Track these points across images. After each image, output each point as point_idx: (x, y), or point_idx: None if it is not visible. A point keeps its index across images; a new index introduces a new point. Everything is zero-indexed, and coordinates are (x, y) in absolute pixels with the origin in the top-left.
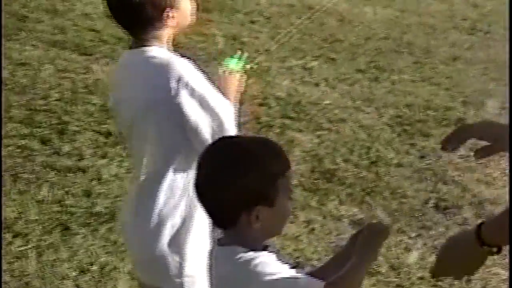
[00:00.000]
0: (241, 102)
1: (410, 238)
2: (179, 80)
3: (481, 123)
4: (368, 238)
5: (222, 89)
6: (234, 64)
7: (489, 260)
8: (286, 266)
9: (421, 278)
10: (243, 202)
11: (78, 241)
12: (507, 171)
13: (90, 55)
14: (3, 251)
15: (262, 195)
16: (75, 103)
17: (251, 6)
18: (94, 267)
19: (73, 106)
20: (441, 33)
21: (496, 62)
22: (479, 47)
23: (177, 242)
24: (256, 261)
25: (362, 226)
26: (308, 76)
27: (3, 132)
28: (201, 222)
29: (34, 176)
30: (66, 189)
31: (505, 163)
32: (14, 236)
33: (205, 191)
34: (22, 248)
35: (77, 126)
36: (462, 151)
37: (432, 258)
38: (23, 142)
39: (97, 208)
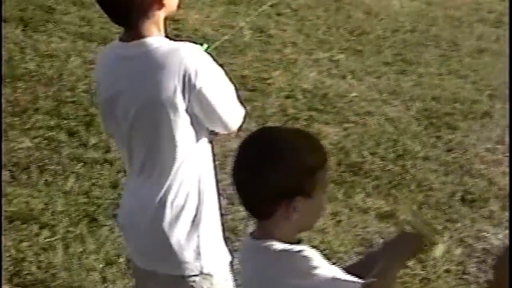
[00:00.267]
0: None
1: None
2: (193, 65)
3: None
4: (400, 249)
5: None
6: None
7: None
8: (326, 262)
9: (447, 271)
10: (283, 193)
11: (104, 233)
12: None
13: None
14: (30, 242)
15: (301, 186)
16: None
17: None
18: (121, 259)
19: None
20: (468, 26)
21: None
22: (505, 40)
23: (192, 232)
24: (302, 253)
25: (397, 233)
26: (335, 69)
27: (29, 124)
28: (213, 213)
29: (60, 167)
30: (93, 180)
31: None
32: (41, 227)
33: (245, 182)
34: (49, 240)
35: None
36: (488, 144)
37: (459, 251)
38: (50, 133)
39: None
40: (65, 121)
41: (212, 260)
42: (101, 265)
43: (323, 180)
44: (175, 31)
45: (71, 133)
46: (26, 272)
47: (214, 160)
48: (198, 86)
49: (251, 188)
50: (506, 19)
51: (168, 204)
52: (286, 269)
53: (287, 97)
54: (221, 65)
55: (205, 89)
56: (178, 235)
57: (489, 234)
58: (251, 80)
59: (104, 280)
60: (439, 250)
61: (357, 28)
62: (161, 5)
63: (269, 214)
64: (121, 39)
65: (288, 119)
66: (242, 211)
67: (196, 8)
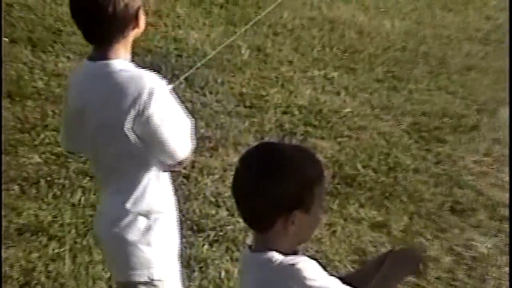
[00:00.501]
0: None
1: (427, 240)
2: (150, 93)
3: None
4: (394, 267)
5: None
6: None
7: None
8: (325, 273)
9: (438, 278)
10: (282, 207)
11: None
12: None
13: None
14: (39, 253)
15: (300, 200)
16: None
17: (275, 19)
18: None
19: None
20: (456, 44)
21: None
22: (492, 57)
23: (147, 239)
24: (299, 265)
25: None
26: (329, 86)
27: (38, 140)
28: (171, 224)
29: (68, 181)
30: (99, 194)
31: None
32: (50, 239)
33: (245, 196)
34: (57, 251)
35: None
36: (476, 156)
37: (449, 259)
38: (58, 149)
39: None
40: None
41: (162, 269)
42: (108, 274)
43: (320, 194)
44: (176, 50)
45: None
46: (35, 282)
47: (171, 178)
48: (149, 113)
49: (250, 202)
50: (493, 36)
51: (126, 213)
52: (285, 281)
53: (284, 113)
54: (221, 83)
55: (155, 117)
56: (131, 244)
57: (477, 243)
58: (249, 97)
59: None
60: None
61: (350, 47)
62: (136, 24)
63: (268, 227)
64: (89, 58)
65: (284, 134)
66: (241, 223)
67: (196, 28)
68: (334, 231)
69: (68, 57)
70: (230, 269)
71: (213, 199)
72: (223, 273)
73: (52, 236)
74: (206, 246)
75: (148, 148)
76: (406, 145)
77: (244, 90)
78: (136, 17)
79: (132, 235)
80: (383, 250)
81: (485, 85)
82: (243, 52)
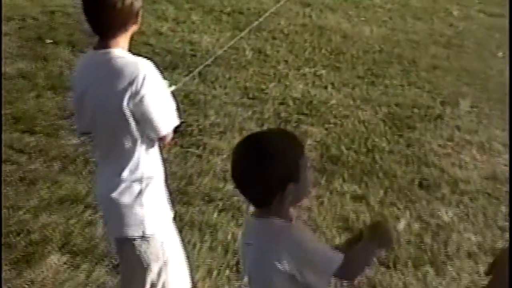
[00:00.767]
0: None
1: (399, 209)
2: (143, 77)
3: None
4: (370, 238)
5: None
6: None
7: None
8: (314, 235)
9: (409, 241)
10: (277, 187)
11: None
12: (477, 157)
13: None
14: (76, 219)
15: (290, 176)
16: None
17: (274, 25)
18: None
19: None
20: (423, 47)
21: (467, 70)
22: (454, 58)
23: (140, 200)
24: (294, 228)
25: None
26: (318, 81)
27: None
28: (159, 187)
29: None
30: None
31: (474, 150)
32: (85, 207)
33: (244, 182)
34: (91, 217)
35: None
36: (440, 141)
37: (417, 226)
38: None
39: None
40: None
41: (154, 225)
42: None
43: (305, 163)
44: (191, 51)
45: None
46: (73, 243)
47: (160, 151)
48: (142, 94)
49: (249, 188)
50: (454, 41)
51: (122, 181)
52: (284, 240)
53: (281, 103)
54: (228, 78)
55: (147, 98)
56: (126, 204)
57: (440, 212)
58: (252, 90)
59: None
60: (401, 225)
61: (336, 49)
62: (135, 20)
63: (268, 203)
64: (94, 48)
65: (281, 121)
66: None
67: (208, 33)
68: (322, 202)
69: None
70: (235, 232)
71: (221, 175)
72: (229, 236)
73: (88, 205)
74: (215, 214)
75: (139, 124)
76: (382, 131)
77: (247, 84)
78: (137, 15)
79: (127, 198)
80: (362, 217)
81: (448, 81)
82: (247, 53)
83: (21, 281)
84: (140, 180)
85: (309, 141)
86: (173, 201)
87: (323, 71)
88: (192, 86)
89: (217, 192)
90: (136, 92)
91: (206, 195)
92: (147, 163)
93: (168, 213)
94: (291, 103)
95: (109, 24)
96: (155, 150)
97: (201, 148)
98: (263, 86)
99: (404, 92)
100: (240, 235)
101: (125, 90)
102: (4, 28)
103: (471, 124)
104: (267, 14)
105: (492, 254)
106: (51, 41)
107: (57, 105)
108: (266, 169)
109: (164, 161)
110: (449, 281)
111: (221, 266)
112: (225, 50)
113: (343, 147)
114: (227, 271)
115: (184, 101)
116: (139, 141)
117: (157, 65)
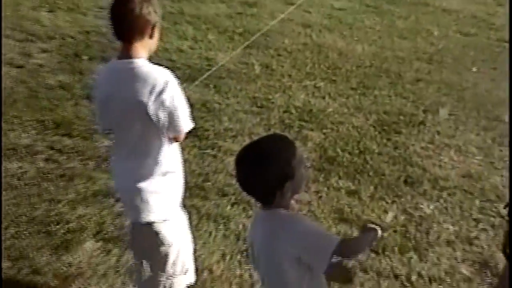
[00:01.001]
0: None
1: (387, 203)
2: (164, 83)
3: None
4: (363, 232)
5: None
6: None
7: (441, 219)
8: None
9: (395, 231)
10: (276, 186)
11: None
12: (455, 158)
13: None
14: (108, 210)
15: (287, 175)
16: None
17: (278, 44)
18: None
19: None
20: (408, 63)
21: (446, 83)
22: (435, 72)
23: (159, 190)
24: (297, 216)
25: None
26: (317, 92)
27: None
28: (179, 180)
29: None
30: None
31: (452, 152)
32: (116, 201)
33: (247, 187)
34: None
35: None
36: (422, 144)
37: (403, 217)
38: None
39: None
40: None
41: (169, 212)
42: None
43: (299, 163)
44: (208, 66)
45: None
46: (105, 232)
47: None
48: (163, 98)
49: (252, 190)
50: (435, 58)
51: (145, 173)
52: (289, 226)
53: (285, 112)
54: (240, 90)
55: (167, 102)
56: (151, 193)
57: (423, 206)
58: (260, 100)
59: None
60: (389, 217)
61: (332, 65)
62: (151, 35)
63: (270, 201)
64: (118, 58)
65: (285, 127)
66: None
67: (223, 50)
68: (320, 196)
69: None
70: (246, 223)
71: (233, 173)
72: (240, 226)
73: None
74: (228, 207)
75: (162, 125)
76: (372, 135)
77: (256, 95)
78: (153, 28)
79: (152, 188)
80: (355, 210)
81: (429, 92)
82: (255, 68)
83: (60, 264)
84: (163, 174)
85: (309, 144)
86: (192, 195)
87: (322, 84)
88: (209, 96)
89: (230, 188)
90: (159, 96)
91: (221, 190)
92: (169, 159)
93: (180, 202)
94: (293, 111)
95: (127, 27)
96: (176, 149)
97: (216, 149)
98: (270, 97)
99: (392, 102)
100: (249, 226)
101: (149, 94)
102: (46, 46)
103: (449, 130)
104: (258, 34)
105: (468, 243)
106: (87, 57)
107: (92, 112)
108: (264, 170)
109: (184, 161)
110: (430, 266)
111: (233, 252)
112: (234, 65)
113: (338, 149)
114: (238, 256)
115: (201, 108)
116: (161, 140)
117: (179, 78)
